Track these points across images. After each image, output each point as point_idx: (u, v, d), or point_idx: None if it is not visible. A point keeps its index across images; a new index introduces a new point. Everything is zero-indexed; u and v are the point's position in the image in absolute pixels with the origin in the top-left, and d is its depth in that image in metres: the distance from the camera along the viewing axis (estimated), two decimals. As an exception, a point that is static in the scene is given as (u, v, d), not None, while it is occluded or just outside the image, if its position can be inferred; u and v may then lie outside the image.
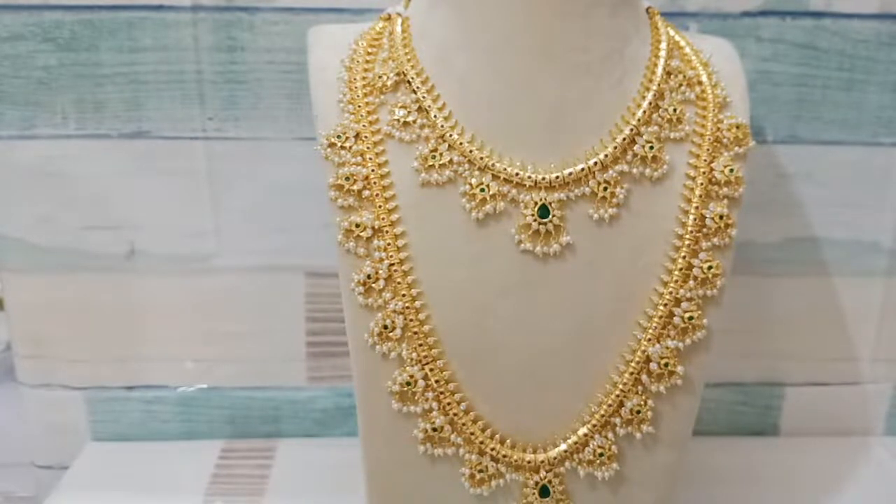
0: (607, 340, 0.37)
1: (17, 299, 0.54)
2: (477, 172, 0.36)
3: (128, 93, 0.52)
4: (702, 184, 0.37)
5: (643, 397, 0.37)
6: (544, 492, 0.37)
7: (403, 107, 0.37)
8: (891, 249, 0.55)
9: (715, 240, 0.37)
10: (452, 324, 0.36)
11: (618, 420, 0.37)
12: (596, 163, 0.36)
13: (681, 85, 0.38)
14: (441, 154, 0.36)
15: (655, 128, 0.37)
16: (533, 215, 0.36)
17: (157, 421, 0.57)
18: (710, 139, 0.38)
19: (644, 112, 0.37)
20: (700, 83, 0.39)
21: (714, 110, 0.38)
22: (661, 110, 0.38)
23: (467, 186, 0.36)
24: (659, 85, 0.38)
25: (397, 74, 0.38)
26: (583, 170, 0.36)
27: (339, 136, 0.37)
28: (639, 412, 0.37)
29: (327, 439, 0.57)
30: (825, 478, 0.53)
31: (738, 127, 0.38)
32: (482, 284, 0.36)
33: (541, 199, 0.36)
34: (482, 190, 0.36)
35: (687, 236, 0.37)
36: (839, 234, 0.55)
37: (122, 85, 0.51)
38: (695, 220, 0.37)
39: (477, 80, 0.37)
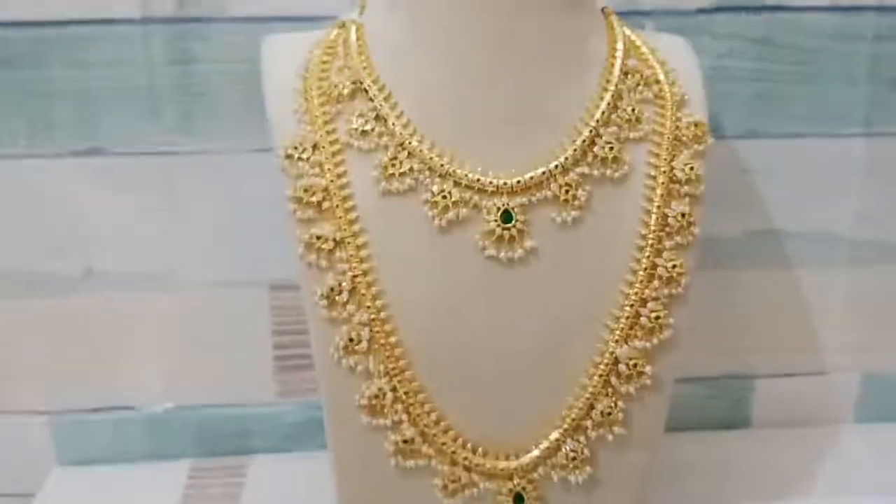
0: (576, 343, 0.37)
1: (-27, 324, 0.53)
2: (438, 179, 0.36)
3: (80, 109, 0.50)
4: (663, 183, 0.37)
5: (613, 399, 0.37)
6: (518, 499, 0.37)
7: (361, 115, 0.37)
8: (851, 239, 0.56)
9: (678, 238, 0.37)
10: (419, 333, 0.36)
11: (589, 423, 0.37)
12: (557, 166, 0.36)
13: (638, 84, 0.38)
14: (401, 162, 0.36)
15: (615, 128, 0.37)
16: (496, 220, 0.36)
17: (124, 443, 0.56)
18: (669, 138, 0.38)
19: (603, 113, 0.37)
20: (657, 82, 0.39)
21: (672, 109, 0.38)
22: (619, 110, 0.38)
23: (429, 194, 0.36)
24: (617, 85, 0.38)
25: (353, 83, 0.37)
26: (544, 173, 0.36)
27: (296, 148, 0.36)
28: (609, 414, 0.37)
29: (299, 454, 0.56)
30: (798, 467, 0.54)
31: (696, 125, 0.38)
32: (448, 292, 0.36)
33: (503, 204, 0.36)
34: (444, 197, 0.36)
35: (650, 236, 0.37)
36: (801, 226, 0.56)
37: (74, 101, 0.50)
38: (657, 219, 0.37)
39: (435, 83, 0.36)
